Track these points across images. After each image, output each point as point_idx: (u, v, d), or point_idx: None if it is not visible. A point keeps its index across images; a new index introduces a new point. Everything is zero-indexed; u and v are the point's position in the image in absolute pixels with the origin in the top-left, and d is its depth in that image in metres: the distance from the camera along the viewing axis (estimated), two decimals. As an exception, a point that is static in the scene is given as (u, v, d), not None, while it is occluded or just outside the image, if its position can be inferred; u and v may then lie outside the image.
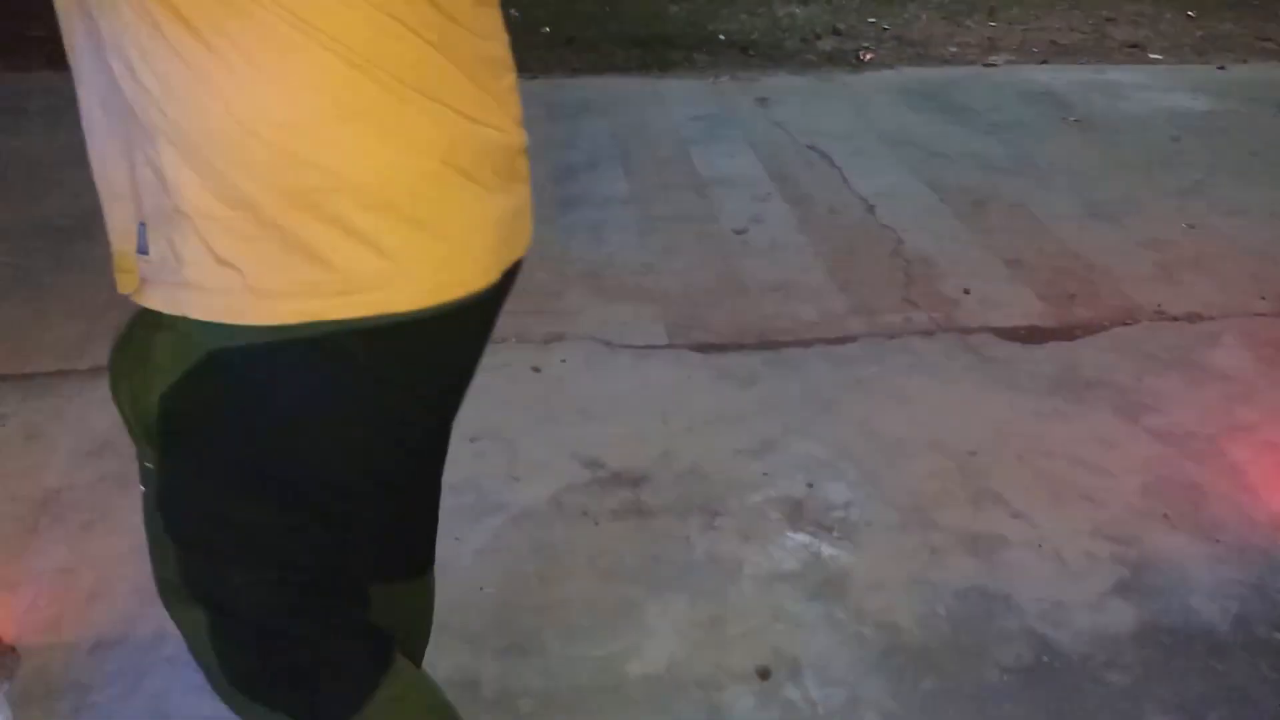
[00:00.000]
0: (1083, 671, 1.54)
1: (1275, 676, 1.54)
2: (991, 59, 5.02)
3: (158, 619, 1.61)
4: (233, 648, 0.92)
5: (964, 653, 1.58)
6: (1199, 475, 1.98)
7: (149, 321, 0.80)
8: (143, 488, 0.89)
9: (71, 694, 1.47)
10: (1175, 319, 2.61)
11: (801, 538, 1.81)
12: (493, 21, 0.84)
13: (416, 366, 0.84)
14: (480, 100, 0.81)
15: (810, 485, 1.95)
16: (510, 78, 0.87)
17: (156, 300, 0.78)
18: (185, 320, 0.76)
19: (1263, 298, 2.71)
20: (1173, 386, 2.29)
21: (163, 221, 0.74)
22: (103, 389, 2.32)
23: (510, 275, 0.90)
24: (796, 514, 1.87)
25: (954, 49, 5.19)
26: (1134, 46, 5.25)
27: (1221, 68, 4.91)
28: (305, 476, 0.85)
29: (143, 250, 0.77)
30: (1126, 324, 2.59)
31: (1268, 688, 1.52)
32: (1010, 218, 3.21)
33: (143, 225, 0.76)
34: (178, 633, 1.56)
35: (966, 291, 2.74)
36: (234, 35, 0.69)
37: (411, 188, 0.76)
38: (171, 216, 0.73)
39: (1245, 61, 5.01)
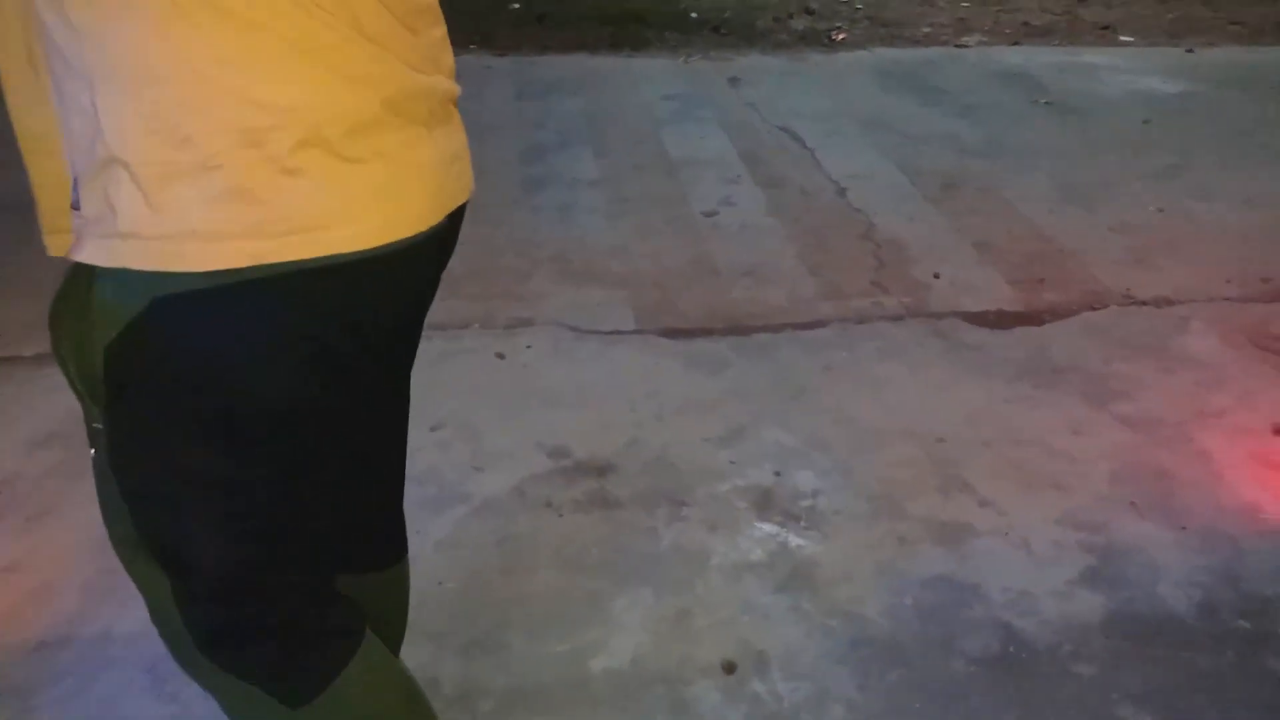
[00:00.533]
0: (1050, 662, 1.53)
1: (1241, 664, 1.54)
2: (964, 40, 5.01)
3: (106, 618, 1.57)
4: (197, 608, 0.89)
5: (931, 644, 1.56)
6: (1167, 462, 1.97)
7: (85, 271, 0.78)
8: (93, 450, 0.86)
9: (13, 698, 1.42)
10: (1144, 304, 2.60)
11: (769, 528, 1.79)
12: None
13: (362, 308, 0.83)
14: (416, 47, 0.82)
15: (778, 474, 1.92)
16: (442, 29, 0.88)
17: (92, 254, 0.75)
18: (125, 271, 0.74)
19: (1229, 281, 2.71)
20: (1142, 372, 2.28)
21: (97, 171, 0.72)
22: (52, 376, 2.24)
23: (454, 222, 0.91)
24: (764, 503, 1.84)
25: (926, 29, 5.17)
26: (1105, 28, 5.25)
27: (1190, 50, 4.92)
28: (255, 422, 0.82)
29: (76, 205, 0.75)
30: (1095, 309, 2.58)
31: (1234, 675, 1.51)
32: (981, 201, 3.19)
33: (75, 180, 0.75)
34: (127, 632, 1.53)
35: (937, 276, 2.72)
36: None
37: (354, 127, 0.75)
38: (106, 164, 0.71)
39: (1215, 45, 5.02)
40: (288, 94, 0.72)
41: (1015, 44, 4.98)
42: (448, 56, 0.88)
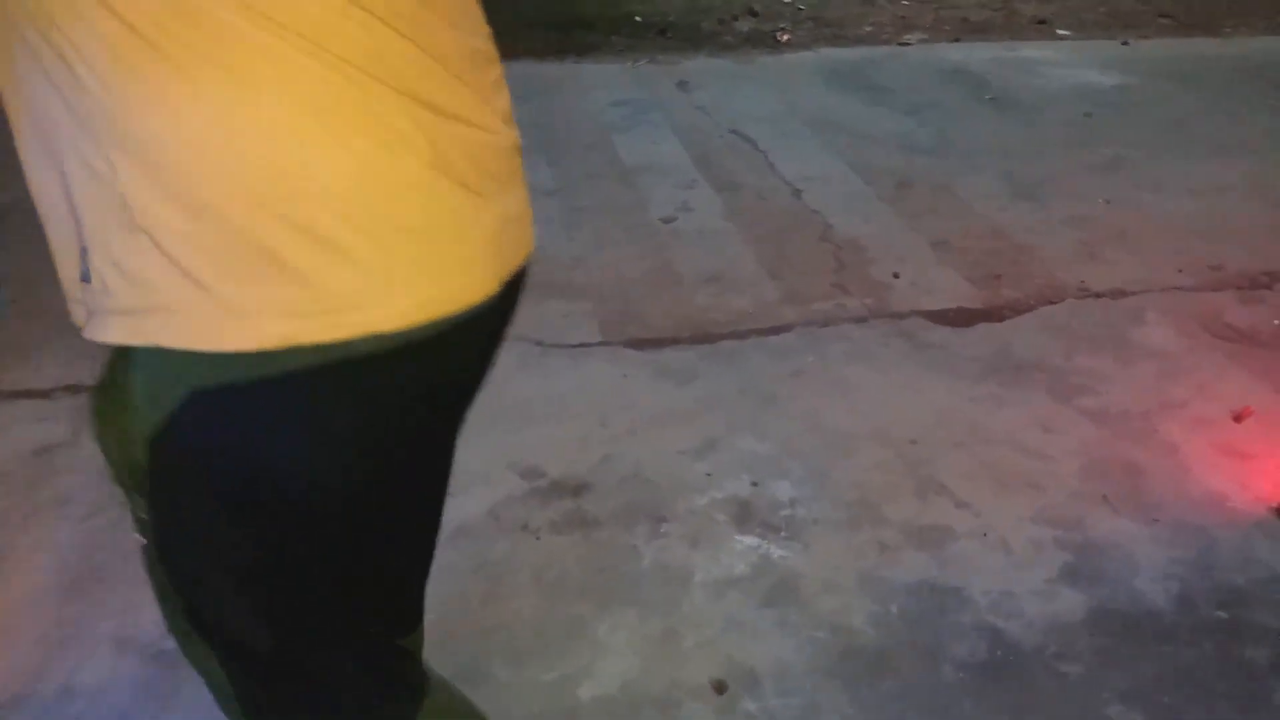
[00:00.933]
0: (1037, 663, 1.53)
1: (1219, 655, 1.56)
2: (906, 38, 5.06)
3: (66, 671, 1.49)
4: (253, 687, 0.87)
5: (919, 651, 1.56)
6: (1135, 455, 2.00)
7: (122, 359, 0.73)
8: (139, 538, 0.82)
9: (-30, 764, 1.35)
10: (1099, 296, 2.64)
11: (750, 540, 1.77)
12: (471, 10, 0.77)
13: (413, 391, 0.78)
14: (464, 97, 0.73)
15: (755, 484, 1.91)
16: (495, 71, 0.80)
17: (119, 332, 0.69)
18: (159, 354, 0.69)
19: (1180, 270, 2.77)
20: (1103, 365, 2.31)
21: (112, 242, 0.66)
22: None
23: (514, 287, 0.84)
24: (744, 515, 1.83)
25: (869, 28, 5.22)
26: (1042, 23, 5.35)
27: (1125, 43, 5.03)
28: (301, 510, 0.78)
29: (85, 278, 0.69)
30: (1053, 303, 2.61)
31: (1214, 667, 1.53)
32: (934, 199, 3.22)
33: (85, 250, 0.68)
34: (89, 685, 1.46)
35: (896, 275, 2.73)
36: (182, 34, 0.62)
37: (392, 194, 0.69)
38: (126, 234, 0.66)
39: (1147, 37, 5.15)
40: (314, 163, 0.65)
41: (956, 40, 5.04)
42: (503, 100, 0.81)
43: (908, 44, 4.96)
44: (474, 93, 0.74)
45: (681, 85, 4.27)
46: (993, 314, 2.56)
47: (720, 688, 1.48)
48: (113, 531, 1.74)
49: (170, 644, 1.52)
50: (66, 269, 0.72)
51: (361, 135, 0.67)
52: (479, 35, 0.78)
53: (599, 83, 4.26)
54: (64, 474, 1.87)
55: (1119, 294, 2.65)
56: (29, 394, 2.11)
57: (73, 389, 2.12)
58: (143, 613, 1.57)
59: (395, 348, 0.71)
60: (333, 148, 0.66)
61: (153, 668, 1.49)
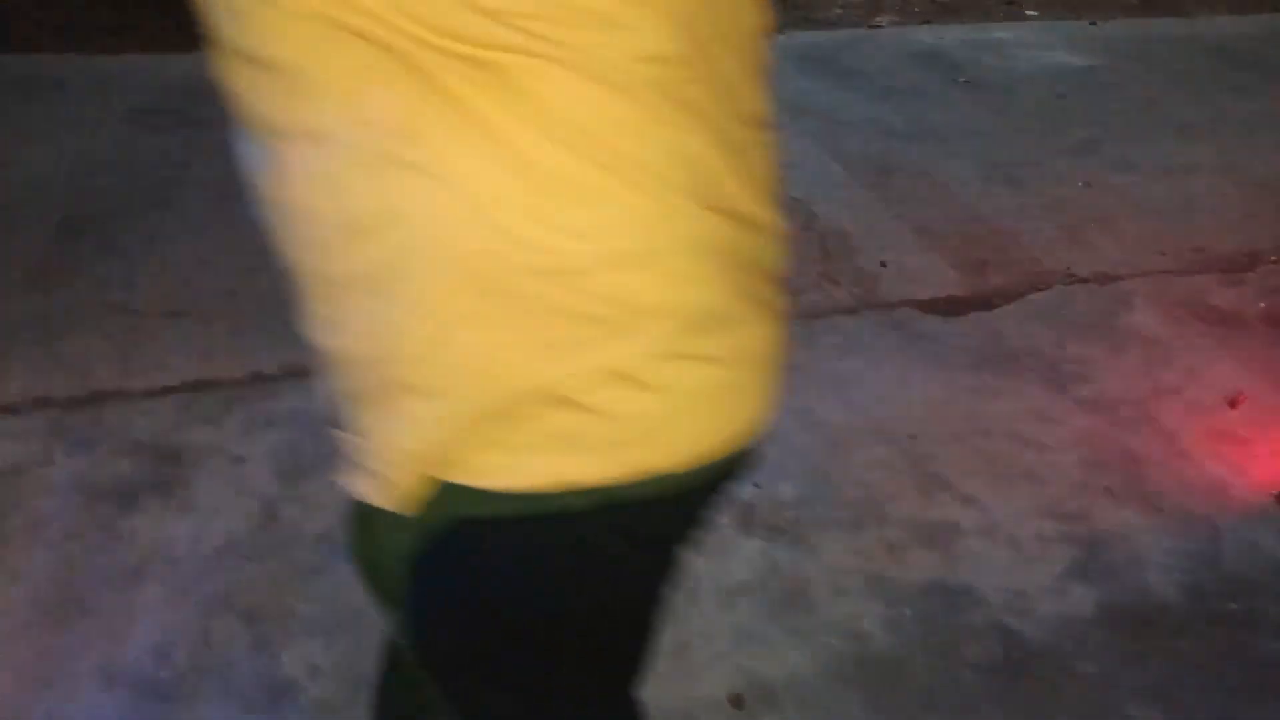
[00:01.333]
0: (1053, 663, 1.52)
1: (1232, 648, 1.56)
2: (876, 20, 5.03)
3: (48, 708, 1.42)
4: None
5: (934, 655, 1.53)
6: (1134, 444, 1.99)
7: None
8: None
9: (-46, 816, 1.27)
10: (1086, 281, 2.64)
11: (756, 544, 1.73)
12: (763, 96, 0.70)
13: (683, 523, 0.73)
14: (750, 193, 0.66)
15: (758, 485, 1.87)
16: (772, 154, 0.73)
17: (380, 494, 0.66)
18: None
19: (1162, 254, 2.77)
20: (1094, 353, 2.31)
21: (383, 392, 0.63)
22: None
23: None
24: (749, 519, 1.79)
25: (838, 10, 5.17)
26: (1010, 3, 5.34)
27: (1093, 23, 5.04)
28: (569, 630, 0.74)
29: (342, 426, 0.68)
30: (1040, 289, 2.60)
31: (1228, 661, 1.53)
32: (915, 185, 3.19)
33: (348, 395, 0.65)
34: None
35: (884, 264, 2.70)
36: (471, 150, 0.56)
37: (689, 322, 0.63)
38: (398, 388, 0.63)
39: (1112, 18, 5.17)
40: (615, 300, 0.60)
41: (926, 22, 5.02)
42: (776, 190, 0.73)
43: (879, 26, 4.93)
44: (755, 184, 0.67)
45: (654, 71, 4.20)
46: (982, 302, 2.54)
47: (737, 702, 1.45)
48: (93, 556, 1.66)
49: (163, 675, 1.45)
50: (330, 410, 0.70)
51: (665, 259, 0.61)
52: (766, 129, 0.70)
53: (569, 70, 4.19)
54: (37, 496, 1.78)
55: (1105, 279, 2.64)
56: (-6, 411, 2.01)
57: (42, 402, 2.02)
58: (130, 643, 1.50)
59: (675, 489, 0.66)
60: (637, 285, 0.60)
61: (143, 702, 1.42)
